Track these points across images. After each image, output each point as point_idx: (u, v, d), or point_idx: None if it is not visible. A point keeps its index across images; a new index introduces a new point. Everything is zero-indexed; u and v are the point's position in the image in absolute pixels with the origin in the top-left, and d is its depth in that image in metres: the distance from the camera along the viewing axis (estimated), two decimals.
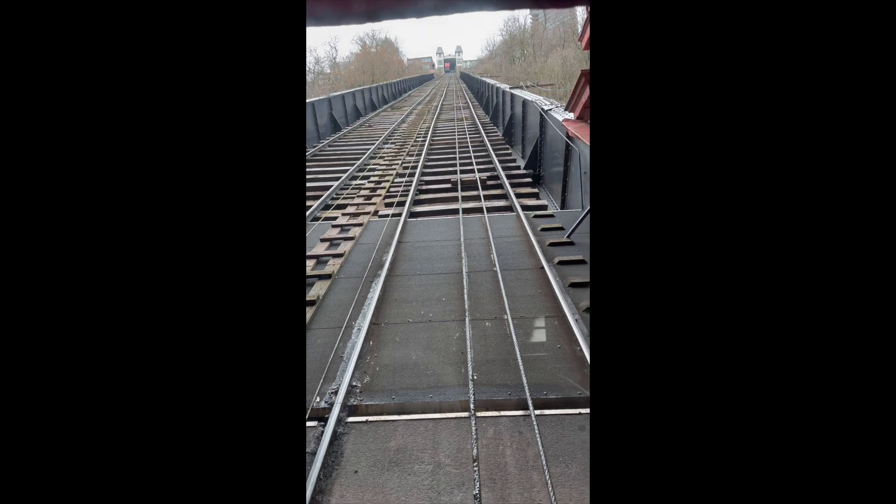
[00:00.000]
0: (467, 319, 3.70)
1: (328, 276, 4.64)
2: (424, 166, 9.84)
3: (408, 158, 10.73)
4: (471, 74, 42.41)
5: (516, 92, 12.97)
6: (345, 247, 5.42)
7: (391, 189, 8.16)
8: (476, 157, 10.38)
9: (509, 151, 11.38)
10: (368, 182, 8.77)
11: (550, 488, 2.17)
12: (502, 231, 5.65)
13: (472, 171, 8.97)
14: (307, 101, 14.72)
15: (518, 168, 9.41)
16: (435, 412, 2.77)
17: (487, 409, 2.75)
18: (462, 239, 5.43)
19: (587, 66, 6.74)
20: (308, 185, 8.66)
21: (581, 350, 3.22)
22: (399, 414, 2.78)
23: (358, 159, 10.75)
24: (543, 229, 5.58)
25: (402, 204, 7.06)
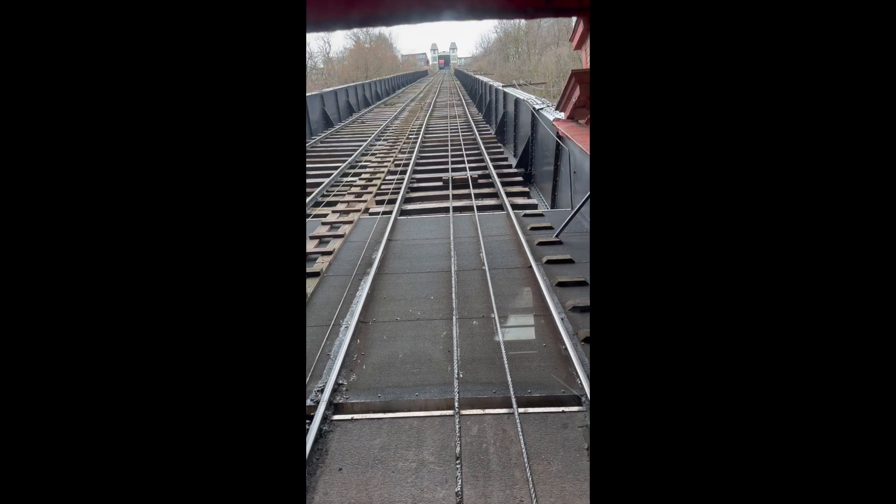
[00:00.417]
0: (455, 318, 3.72)
1: (317, 274, 4.63)
2: (416, 163, 9.83)
3: (399, 156, 10.71)
4: (465, 72, 42.29)
5: (509, 90, 12.99)
6: (334, 244, 5.41)
7: (382, 186, 8.15)
8: (468, 155, 10.39)
9: (501, 150, 11.41)
10: (360, 179, 8.74)
11: (531, 485, 2.20)
12: (492, 230, 5.67)
13: (463, 169, 8.98)
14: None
15: (509, 167, 9.44)
16: (420, 410, 2.79)
17: (472, 407, 2.78)
18: (452, 237, 5.45)
19: (580, 65, 6.77)
20: None
21: (566, 349, 3.26)
22: (384, 412, 2.80)
23: (349, 156, 10.70)
24: (533, 228, 5.62)
25: (392, 201, 7.06)
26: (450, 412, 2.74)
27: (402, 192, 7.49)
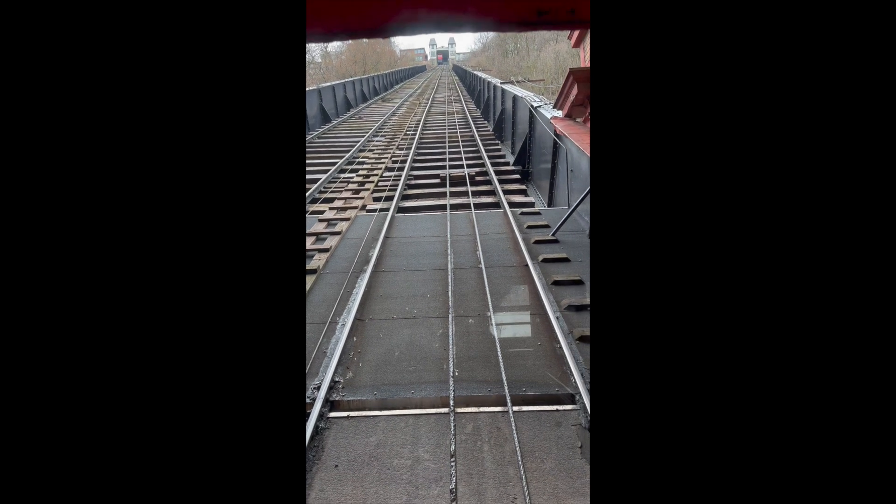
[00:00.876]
0: (451, 316, 3.74)
1: (314, 272, 4.64)
2: (414, 160, 9.82)
3: (397, 152, 10.69)
4: (463, 67, 42.09)
5: (507, 87, 12.96)
6: (331, 241, 5.42)
7: (380, 183, 8.14)
8: (466, 152, 10.39)
9: (499, 147, 11.40)
10: (357, 175, 8.73)
11: (525, 483, 2.23)
12: (489, 228, 5.69)
13: (461, 166, 8.98)
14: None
15: (507, 164, 9.45)
16: (416, 408, 2.82)
17: (467, 405, 2.81)
18: (449, 235, 5.46)
19: (579, 63, 6.77)
20: None
21: (561, 348, 3.29)
22: (380, 409, 2.82)
23: (347, 152, 10.68)
24: (529, 226, 5.64)
25: (390, 198, 7.06)
26: (445, 410, 2.77)
27: (399, 189, 7.49)
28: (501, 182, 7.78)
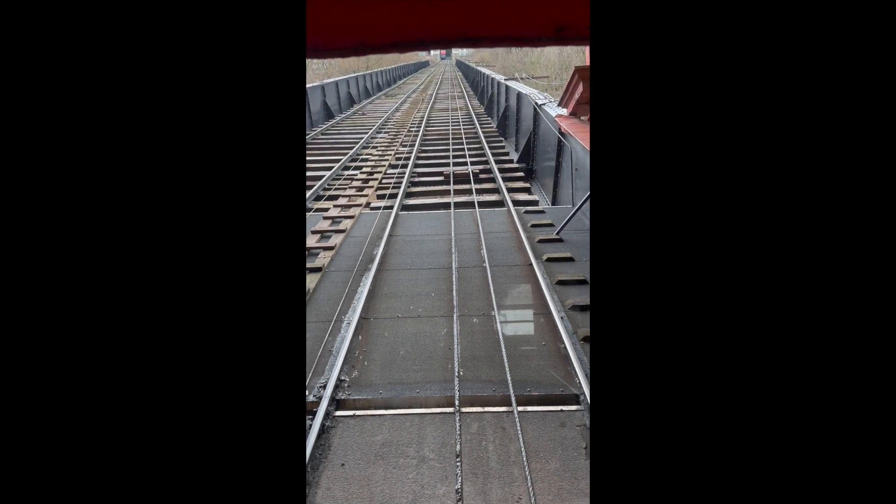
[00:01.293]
0: (455, 315, 3.76)
1: (318, 270, 4.66)
2: (417, 157, 9.81)
3: (401, 149, 10.68)
4: (466, 63, 41.84)
5: (511, 84, 12.90)
6: (336, 239, 5.43)
7: (384, 180, 8.14)
8: (469, 149, 10.36)
9: (503, 144, 11.37)
10: (361, 172, 8.73)
11: (530, 483, 2.25)
12: (493, 226, 5.69)
13: (465, 163, 8.96)
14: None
15: (511, 161, 9.42)
16: (421, 407, 2.84)
17: (472, 405, 2.83)
18: (453, 234, 5.47)
19: (584, 60, 6.72)
20: None
21: (565, 348, 3.30)
22: (386, 409, 2.84)
23: (351, 148, 10.67)
24: (533, 225, 5.64)
25: (394, 196, 7.06)
26: (450, 410, 2.79)
27: (403, 186, 7.49)
28: (505, 180, 7.77)
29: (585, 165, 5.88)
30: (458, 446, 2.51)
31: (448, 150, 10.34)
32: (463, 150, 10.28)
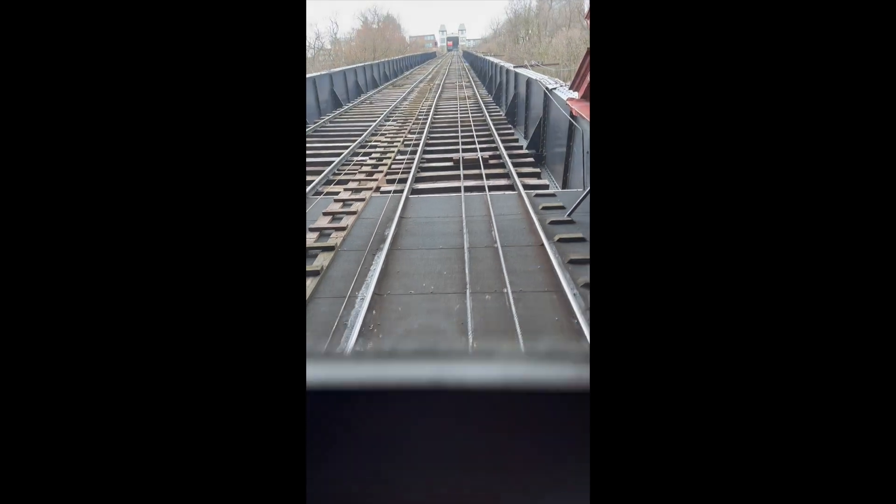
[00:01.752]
0: (468, 292, 3.78)
1: (331, 248, 4.70)
2: (426, 144, 9.79)
3: (409, 136, 10.66)
4: (474, 53, 41.51)
5: (520, 70, 12.79)
6: (347, 221, 5.47)
7: (393, 166, 8.15)
8: (478, 136, 10.33)
9: (512, 131, 11.31)
10: (370, 159, 8.74)
11: None
12: (504, 209, 5.69)
13: (474, 149, 8.94)
14: (308, 76, 14.47)
15: (520, 148, 9.38)
16: None
17: None
18: (464, 216, 5.48)
19: None
20: (309, 160, 8.62)
21: (578, 323, 3.31)
22: None
23: (360, 136, 10.67)
24: (545, 208, 5.63)
25: (403, 181, 7.07)
26: None
27: (412, 171, 7.50)
28: (515, 165, 7.74)
29: None
30: None
31: (457, 137, 10.31)
32: (472, 136, 10.25)
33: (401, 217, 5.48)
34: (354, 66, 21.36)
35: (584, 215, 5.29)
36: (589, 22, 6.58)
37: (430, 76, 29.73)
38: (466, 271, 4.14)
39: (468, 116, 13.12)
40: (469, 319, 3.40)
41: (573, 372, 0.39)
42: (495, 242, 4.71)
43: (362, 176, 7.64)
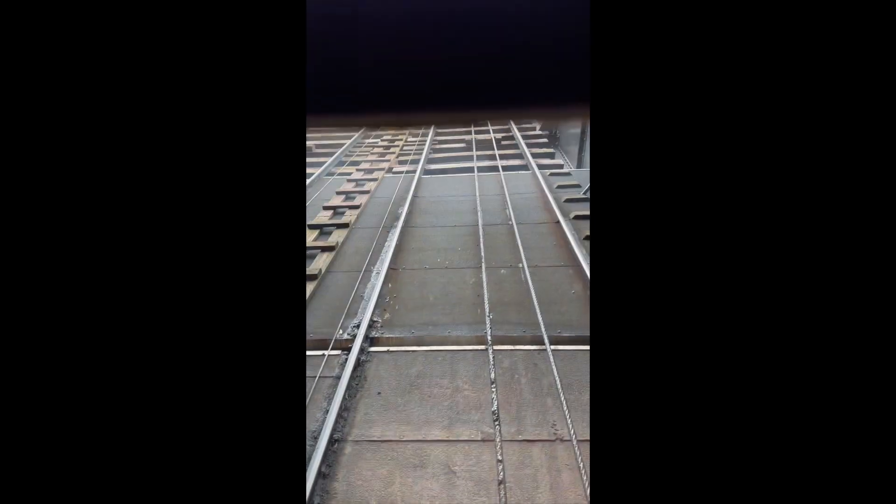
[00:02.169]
0: (483, 266, 3.77)
1: (346, 226, 4.71)
2: (438, 126, 9.71)
3: None
4: None
5: None
6: (360, 199, 5.47)
7: (405, 147, 8.11)
8: None
9: None
10: (382, 140, 8.71)
11: (566, 406, 2.28)
12: (518, 188, 5.64)
13: (486, 131, 8.85)
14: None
15: (533, 129, 9.26)
16: (452, 345, 2.88)
17: (503, 344, 2.86)
18: (477, 194, 5.44)
19: None
20: (321, 142, 8.63)
21: None
22: (418, 345, 2.90)
23: None
24: (560, 186, 5.56)
25: (415, 161, 7.04)
26: (482, 347, 2.82)
27: (424, 152, 7.45)
28: (529, 146, 7.65)
29: None
30: (493, 375, 2.55)
31: None
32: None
33: (414, 196, 5.46)
34: None
35: None
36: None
37: None
38: (481, 246, 4.12)
39: None
40: (485, 291, 3.39)
41: None
42: (510, 220, 4.68)
43: (374, 157, 7.62)
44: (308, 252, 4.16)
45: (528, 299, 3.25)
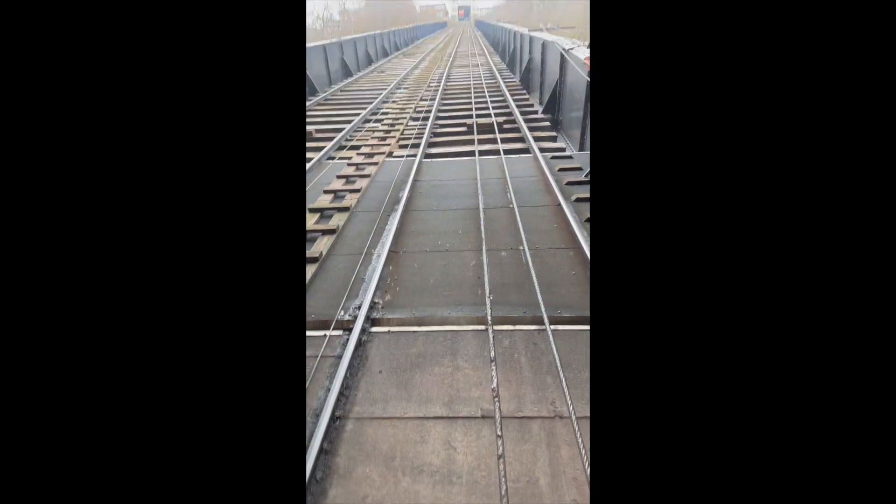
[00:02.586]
0: (484, 249, 3.76)
1: (346, 209, 4.70)
2: (439, 110, 9.61)
3: (421, 103, 10.46)
4: (487, 21, 40.11)
5: (535, 34, 12.33)
6: (361, 183, 5.44)
7: (405, 132, 8.03)
8: (492, 101, 10.08)
9: (526, 97, 11.01)
10: (382, 125, 8.63)
11: (565, 384, 2.30)
12: (519, 171, 5.59)
13: (488, 114, 8.75)
14: (319, 44, 14.19)
15: (535, 113, 9.15)
16: (453, 325, 2.90)
17: (503, 324, 2.87)
18: (478, 178, 5.40)
19: None
20: (321, 127, 8.56)
21: None
22: (419, 326, 2.91)
23: (371, 103, 10.51)
24: (561, 169, 5.51)
25: (416, 146, 6.98)
26: (482, 327, 2.83)
27: (425, 136, 7.38)
28: (531, 129, 7.56)
29: None
30: (493, 354, 2.57)
31: (470, 103, 10.08)
32: (486, 102, 10.01)
33: (415, 180, 5.43)
34: (364, 34, 20.85)
35: None
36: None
37: (441, 45, 28.95)
38: (482, 229, 4.11)
39: (481, 83, 12.79)
40: (485, 273, 3.40)
41: None
42: (511, 203, 4.65)
43: (375, 141, 7.56)
44: (309, 235, 4.16)
45: (528, 281, 3.25)
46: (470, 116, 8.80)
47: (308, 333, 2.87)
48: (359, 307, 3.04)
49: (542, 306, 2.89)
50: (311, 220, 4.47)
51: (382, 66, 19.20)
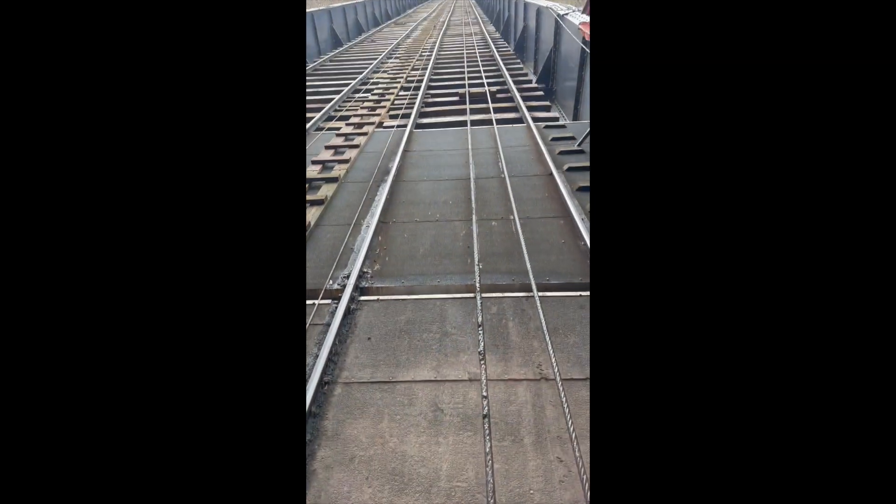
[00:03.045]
0: (474, 219, 3.74)
1: (335, 180, 4.63)
2: (430, 80, 9.36)
3: (412, 73, 10.18)
4: None
5: (530, 0, 11.92)
6: (350, 154, 5.34)
7: (396, 102, 7.84)
8: (486, 71, 9.83)
9: (521, 66, 10.74)
10: (372, 95, 8.41)
11: (551, 348, 2.33)
12: (511, 141, 5.51)
13: (481, 84, 8.54)
14: (308, 11, 13.66)
15: (529, 82, 8.94)
16: (442, 293, 2.90)
17: (492, 292, 2.88)
18: (470, 148, 5.32)
19: None
20: (309, 97, 8.33)
21: (585, 244, 3.28)
22: (408, 294, 2.92)
23: (360, 73, 10.22)
24: (554, 139, 5.43)
25: (407, 116, 6.83)
26: (470, 295, 2.84)
27: (416, 106, 7.22)
28: (524, 99, 7.41)
29: None
30: (480, 319, 2.59)
31: (463, 73, 9.82)
32: (479, 72, 9.76)
33: (405, 150, 5.34)
34: (354, 2, 20.08)
35: None
36: None
37: (434, 13, 28.00)
38: (472, 199, 4.07)
39: (475, 52, 12.44)
40: (475, 243, 3.38)
41: None
42: (502, 173, 4.60)
43: (364, 111, 7.38)
44: None
45: (518, 249, 3.25)
46: (462, 86, 8.59)
47: None
48: (348, 277, 3.03)
49: (531, 274, 2.90)
50: None
51: (373, 35, 18.59)
